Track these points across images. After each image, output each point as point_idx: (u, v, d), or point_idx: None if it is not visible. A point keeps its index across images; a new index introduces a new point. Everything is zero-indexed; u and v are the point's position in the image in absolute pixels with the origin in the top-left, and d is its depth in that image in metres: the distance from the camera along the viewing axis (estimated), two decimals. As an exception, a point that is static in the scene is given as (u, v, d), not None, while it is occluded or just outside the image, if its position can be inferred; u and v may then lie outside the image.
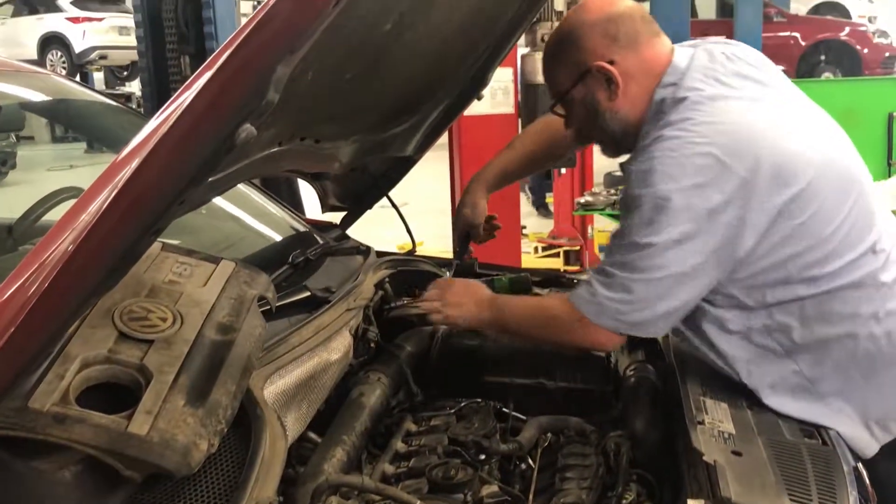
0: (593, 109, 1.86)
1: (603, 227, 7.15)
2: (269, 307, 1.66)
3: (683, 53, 1.84)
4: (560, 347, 2.02)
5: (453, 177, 4.76)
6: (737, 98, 1.74)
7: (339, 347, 1.87)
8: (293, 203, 3.73)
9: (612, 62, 1.80)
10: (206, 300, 1.53)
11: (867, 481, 1.79)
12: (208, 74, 0.88)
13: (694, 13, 10.50)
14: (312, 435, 1.90)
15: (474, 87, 2.54)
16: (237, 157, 1.60)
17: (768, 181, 1.64)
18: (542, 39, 4.04)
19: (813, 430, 1.72)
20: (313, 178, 2.46)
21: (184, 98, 0.90)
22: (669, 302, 1.74)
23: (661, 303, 1.74)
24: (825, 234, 1.69)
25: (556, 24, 4.04)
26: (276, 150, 1.83)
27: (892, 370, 1.77)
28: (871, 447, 1.80)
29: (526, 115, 4.13)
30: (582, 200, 4.77)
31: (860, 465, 1.71)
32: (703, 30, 8.28)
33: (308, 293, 1.95)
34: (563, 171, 6.96)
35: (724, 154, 1.64)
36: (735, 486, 1.42)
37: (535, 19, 4.09)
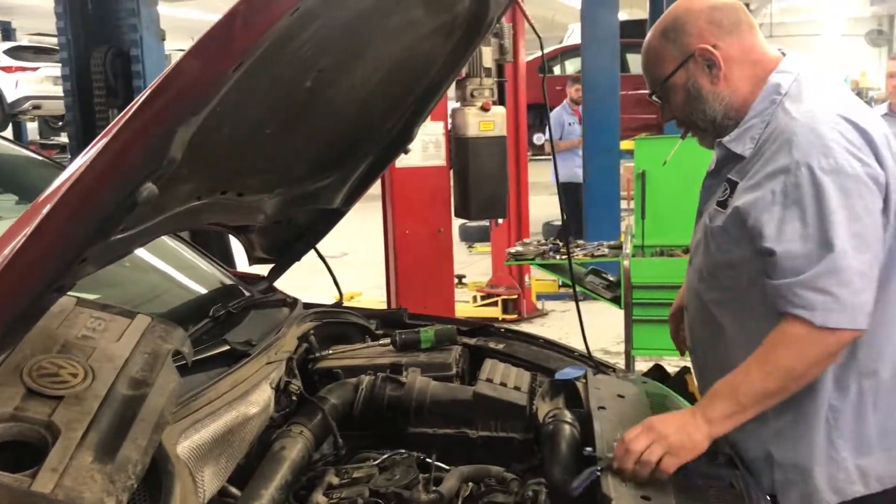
0: (696, 93, 1.86)
1: (540, 276, 7.26)
2: (184, 362, 1.66)
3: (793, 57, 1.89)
4: (821, 367, 1.71)
5: (386, 227, 4.81)
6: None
7: (259, 401, 1.87)
8: (223, 256, 3.71)
9: (715, 46, 1.82)
10: (120, 355, 1.52)
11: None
12: (105, 140, 0.91)
13: (625, 68, 10.84)
14: (233, 489, 1.88)
15: (401, 142, 2.59)
16: (147, 213, 1.61)
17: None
18: (472, 95, 4.15)
19: (723, 461, 1.77)
20: (238, 231, 2.47)
21: (84, 159, 0.92)
22: (875, 272, 1.66)
23: (874, 274, 1.65)
24: None
25: (485, 79, 4.18)
26: (195, 203, 1.85)
27: None
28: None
29: (458, 168, 4.21)
30: (513, 251, 4.86)
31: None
32: (635, 85, 8.56)
33: (227, 347, 1.95)
34: (500, 221, 7.08)
35: (860, 121, 1.70)
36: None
37: (462, 75, 4.22)
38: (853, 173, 1.64)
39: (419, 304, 2.98)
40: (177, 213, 1.76)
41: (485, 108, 4.15)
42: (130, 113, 0.91)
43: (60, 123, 15.26)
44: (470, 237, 10.40)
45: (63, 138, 15.26)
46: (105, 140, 0.90)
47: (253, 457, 2.01)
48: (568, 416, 2.08)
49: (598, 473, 1.66)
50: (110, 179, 0.94)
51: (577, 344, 2.67)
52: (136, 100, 0.94)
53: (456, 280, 6.67)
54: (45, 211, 0.95)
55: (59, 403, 1.37)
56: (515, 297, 7.40)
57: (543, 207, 9.70)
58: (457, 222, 6.65)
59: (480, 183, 4.05)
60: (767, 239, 1.67)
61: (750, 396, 1.68)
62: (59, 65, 5.21)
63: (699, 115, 1.89)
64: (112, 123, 0.93)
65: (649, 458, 1.66)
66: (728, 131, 1.87)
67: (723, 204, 1.83)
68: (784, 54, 1.89)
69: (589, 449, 1.76)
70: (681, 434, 1.68)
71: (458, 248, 7.45)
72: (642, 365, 4.72)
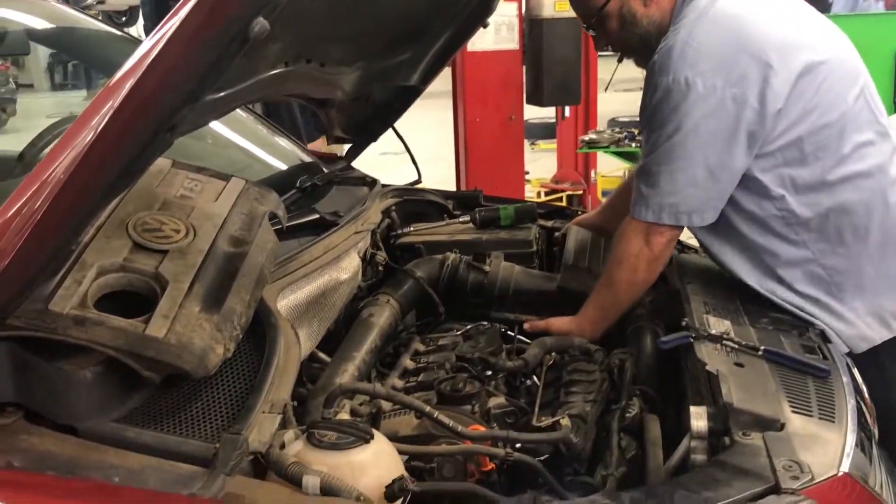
0: (630, 18, 1.95)
1: (607, 171, 7.13)
2: (279, 225, 1.68)
3: None
4: (652, 275, 1.97)
5: (456, 115, 4.74)
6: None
7: (349, 268, 1.89)
8: (296, 138, 3.72)
9: None
10: (219, 214, 1.55)
11: (864, 391, 1.84)
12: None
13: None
14: (322, 355, 1.94)
15: (479, 15, 2.52)
16: (241, 74, 1.60)
17: (782, 61, 1.74)
18: (548, -27, 3.98)
19: (814, 346, 1.75)
20: (319, 107, 2.46)
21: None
22: (712, 189, 1.81)
23: (706, 189, 1.80)
24: (834, 116, 1.79)
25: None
26: (282, 70, 1.83)
27: None
28: (871, 341, 1.88)
29: (531, 51, 4.09)
30: (586, 138, 4.75)
31: (857, 377, 1.76)
32: None
33: (317, 215, 1.97)
34: (568, 113, 6.93)
35: (739, 39, 1.76)
36: (737, 394, 1.46)
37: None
38: (704, 91, 1.73)
39: (490, 190, 2.94)
40: (266, 77, 1.75)
41: (561, -13, 4.00)
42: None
43: (124, 18, 15.30)
44: (533, 134, 10.22)
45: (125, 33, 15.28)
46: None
47: (341, 325, 2.06)
48: (653, 293, 2.07)
49: (692, 339, 1.66)
50: (226, 7, 0.92)
51: None
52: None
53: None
54: (159, 46, 0.95)
55: (164, 257, 1.40)
56: (580, 192, 7.29)
57: (610, 104, 9.44)
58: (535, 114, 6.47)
59: (554, 66, 3.94)
60: None
61: (612, 303, 1.99)
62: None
63: (635, 39, 1.97)
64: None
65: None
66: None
67: None
68: None
69: (687, 320, 1.75)
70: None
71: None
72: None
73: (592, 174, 7.45)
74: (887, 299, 1.87)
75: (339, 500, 1.15)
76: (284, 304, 1.63)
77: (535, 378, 1.92)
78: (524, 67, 4.44)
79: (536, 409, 1.72)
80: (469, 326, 2.11)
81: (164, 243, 1.43)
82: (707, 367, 1.54)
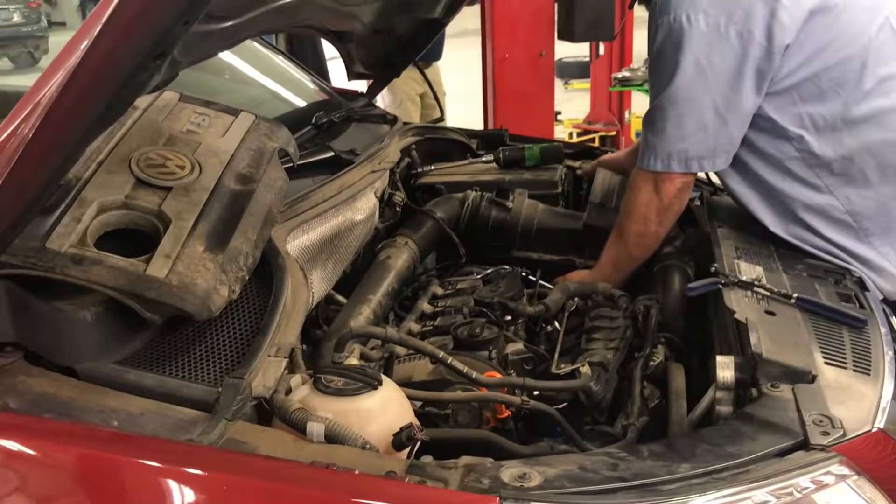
0: None
1: (641, 111, 6.94)
2: (290, 163, 1.61)
3: None
4: (663, 227, 1.89)
5: (485, 51, 4.58)
6: None
7: (364, 208, 1.83)
8: (319, 73, 3.63)
9: None
10: (225, 150, 1.48)
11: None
12: None
13: None
14: (340, 297, 1.90)
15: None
16: (251, 1, 1.52)
17: None
18: None
19: (851, 294, 1.66)
20: (338, 40, 2.37)
21: None
22: (721, 133, 1.72)
23: (714, 133, 1.72)
24: (855, 48, 1.68)
25: None
26: (293, 0, 1.75)
27: None
28: None
29: (563, -14, 3.92)
30: (619, 76, 4.60)
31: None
32: None
33: (332, 153, 1.90)
34: (602, 51, 6.73)
35: None
36: (767, 343, 1.38)
37: None
38: (706, 28, 1.65)
39: (517, 129, 2.83)
40: (275, 7, 1.66)
41: (594, -84, 3.79)
42: None
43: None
44: (566, 73, 9.97)
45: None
46: None
47: (358, 267, 2.01)
48: (682, 237, 1.99)
49: (721, 286, 1.57)
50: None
51: None
52: None
53: (552, 115, 6.44)
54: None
55: (167, 194, 1.35)
56: (614, 133, 7.13)
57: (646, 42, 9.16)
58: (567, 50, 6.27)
59: (587, 1, 3.77)
60: None
61: (624, 255, 1.93)
62: None
63: None
64: None
65: None
66: None
67: None
68: None
69: (716, 265, 1.67)
70: None
71: (554, 84, 7.15)
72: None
73: (626, 115, 7.27)
74: None
75: (343, 447, 1.10)
76: (295, 244, 1.58)
77: (556, 324, 1.86)
78: (556, 2, 4.26)
79: (556, 356, 1.67)
80: (490, 270, 2.05)
81: (168, 180, 1.37)
82: (736, 316, 1.46)
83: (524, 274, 2.08)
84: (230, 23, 1.49)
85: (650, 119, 1.78)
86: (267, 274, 1.40)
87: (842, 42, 1.68)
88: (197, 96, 1.61)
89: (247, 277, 1.32)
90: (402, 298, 2.03)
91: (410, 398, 1.41)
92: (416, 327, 1.79)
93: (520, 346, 1.67)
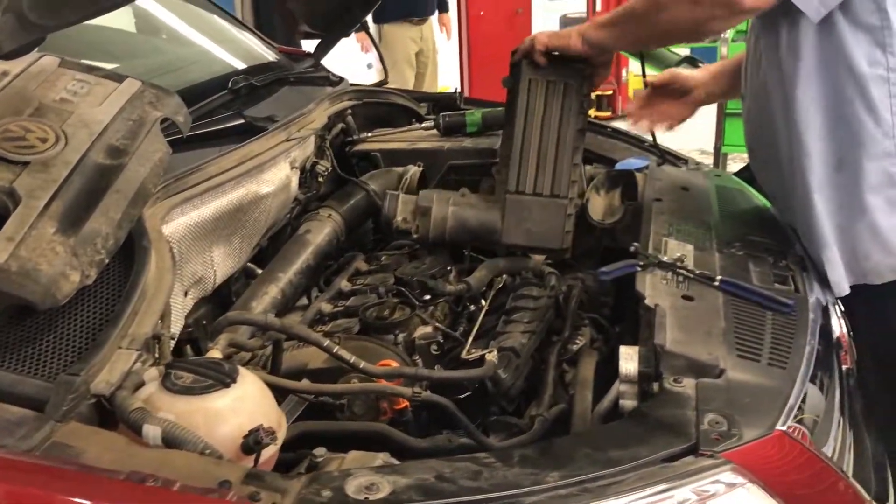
0: None
1: (638, 70, 6.75)
2: (180, 134, 1.49)
3: None
4: (696, 24, 1.52)
5: (459, 9, 4.41)
6: None
7: (273, 179, 1.72)
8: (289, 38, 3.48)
9: None
10: (99, 120, 1.37)
11: (843, 327, 1.64)
12: None
13: None
14: (259, 270, 1.80)
15: None
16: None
17: None
18: None
19: (787, 276, 1.54)
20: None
21: None
22: None
23: None
24: None
25: None
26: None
27: None
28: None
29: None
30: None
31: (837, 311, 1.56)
32: None
33: (242, 120, 1.78)
34: (600, 6, 6.54)
35: None
36: (675, 333, 1.27)
37: None
38: None
39: (496, 97, 2.66)
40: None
41: None
42: None
43: None
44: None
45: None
46: None
47: (284, 241, 1.91)
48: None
49: (638, 269, 1.46)
50: None
51: (673, 140, 2.32)
52: None
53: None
54: None
55: (23, 169, 1.24)
56: (610, 92, 6.96)
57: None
58: (548, 9, 6.14)
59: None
60: None
61: (620, 14, 1.62)
62: None
63: None
64: None
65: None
66: None
67: None
68: None
69: (636, 245, 1.55)
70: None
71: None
72: (735, 166, 4.36)
73: (624, 73, 7.10)
74: None
75: (180, 452, 1.01)
76: (182, 221, 1.47)
77: (483, 302, 1.75)
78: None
79: (470, 340, 1.57)
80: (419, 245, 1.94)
81: (27, 154, 1.26)
82: (646, 301, 1.35)
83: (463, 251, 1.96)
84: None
85: None
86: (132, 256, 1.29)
87: None
88: (79, 61, 1.49)
89: (106, 261, 1.22)
90: (329, 273, 1.93)
91: (288, 390, 1.32)
92: (327, 307, 1.69)
93: (429, 329, 1.57)
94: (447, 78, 6.00)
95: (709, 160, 4.92)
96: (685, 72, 1.99)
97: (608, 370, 1.42)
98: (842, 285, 1.56)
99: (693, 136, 5.53)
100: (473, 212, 1.78)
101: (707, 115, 4.93)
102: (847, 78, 1.47)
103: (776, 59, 1.54)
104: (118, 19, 2.49)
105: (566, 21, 9.47)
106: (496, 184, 1.81)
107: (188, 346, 1.52)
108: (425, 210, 1.79)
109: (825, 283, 1.56)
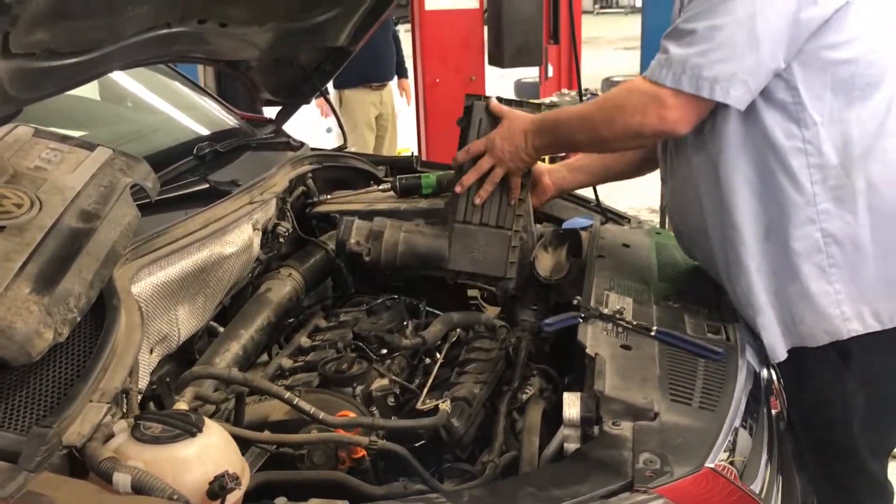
0: None
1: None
2: (148, 199, 1.58)
3: None
4: (628, 141, 1.69)
5: (416, 76, 4.59)
6: None
7: (236, 241, 1.80)
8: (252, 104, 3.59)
9: None
10: (72, 187, 1.45)
11: (775, 381, 1.75)
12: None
13: None
14: (221, 329, 1.87)
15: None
16: (108, 31, 1.50)
17: None
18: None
19: (719, 326, 1.66)
20: (232, 68, 2.35)
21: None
22: (747, 58, 1.52)
23: (741, 55, 1.52)
24: (880, 49, 1.57)
25: None
26: (164, 31, 1.72)
27: None
28: (834, 335, 1.62)
29: (492, 10, 3.94)
30: (547, 101, 4.62)
31: (772, 369, 1.67)
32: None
33: (207, 185, 1.87)
34: (552, 73, 6.79)
35: None
36: (613, 380, 1.38)
37: None
38: None
39: (440, 153, 2.82)
40: (138, 41, 1.64)
41: (522, -56, 3.82)
42: None
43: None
44: (524, 93, 10.01)
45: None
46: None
47: (246, 299, 1.98)
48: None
49: (580, 321, 1.57)
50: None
51: (623, 200, 2.43)
52: None
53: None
54: None
55: (-1, 234, 1.31)
56: (563, 154, 7.16)
57: (608, 62, 9.25)
58: (503, 75, 6.37)
59: (514, 26, 3.79)
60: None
61: (574, 140, 1.79)
62: None
63: None
64: None
65: (480, 166, 1.85)
66: None
67: None
68: None
69: (579, 298, 1.66)
70: (509, 145, 1.81)
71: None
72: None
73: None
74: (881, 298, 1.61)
75: (148, 498, 1.07)
76: (150, 281, 1.54)
77: (438, 355, 1.84)
78: (485, 27, 4.28)
79: (425, 392, 1.65)
80: (378, 300, 2.03)
81: (2, 219, 1.33)
82: (587, 350, 1.45)
83: (415, 304, 2.06)
84: (77, 59, 1.46)
85: (675, 31, 1.60)
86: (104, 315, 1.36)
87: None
88: (53, 130, 1.58)
89: (78, 318, 1.29)
90: (289, 331, 2.00)
91: (250, 441, 1.39)
92: (288, 363, 1.77)
93: (385, 382, 1.65)
94: (408, 140, 6.17)
95: (656, 218, 5.11)
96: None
97: (556, 417, 1.51)
98: (778, 349, 1.65)
99: (641, 196, 5.75)
100: (423, 239, 1.89)
101: (656, 174, 5.16)
102: (768, 152, 1.59)
103: (700, 143, 1.68)
104: (82, 87, 2.59)
105: (520, 86, 9.81)
106: (447, 214, 1.92)
107: (151, 403, 1.58)
108: (378, 234, 1.90)
109: (761, 347, 1.66)
